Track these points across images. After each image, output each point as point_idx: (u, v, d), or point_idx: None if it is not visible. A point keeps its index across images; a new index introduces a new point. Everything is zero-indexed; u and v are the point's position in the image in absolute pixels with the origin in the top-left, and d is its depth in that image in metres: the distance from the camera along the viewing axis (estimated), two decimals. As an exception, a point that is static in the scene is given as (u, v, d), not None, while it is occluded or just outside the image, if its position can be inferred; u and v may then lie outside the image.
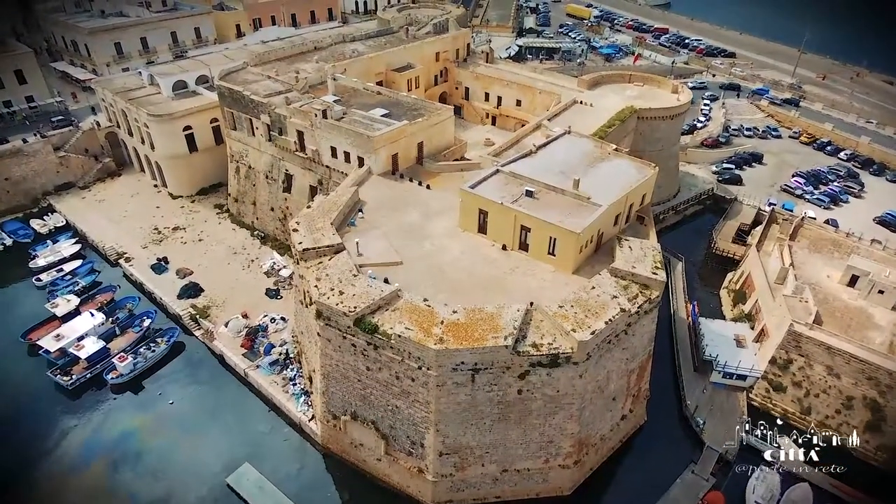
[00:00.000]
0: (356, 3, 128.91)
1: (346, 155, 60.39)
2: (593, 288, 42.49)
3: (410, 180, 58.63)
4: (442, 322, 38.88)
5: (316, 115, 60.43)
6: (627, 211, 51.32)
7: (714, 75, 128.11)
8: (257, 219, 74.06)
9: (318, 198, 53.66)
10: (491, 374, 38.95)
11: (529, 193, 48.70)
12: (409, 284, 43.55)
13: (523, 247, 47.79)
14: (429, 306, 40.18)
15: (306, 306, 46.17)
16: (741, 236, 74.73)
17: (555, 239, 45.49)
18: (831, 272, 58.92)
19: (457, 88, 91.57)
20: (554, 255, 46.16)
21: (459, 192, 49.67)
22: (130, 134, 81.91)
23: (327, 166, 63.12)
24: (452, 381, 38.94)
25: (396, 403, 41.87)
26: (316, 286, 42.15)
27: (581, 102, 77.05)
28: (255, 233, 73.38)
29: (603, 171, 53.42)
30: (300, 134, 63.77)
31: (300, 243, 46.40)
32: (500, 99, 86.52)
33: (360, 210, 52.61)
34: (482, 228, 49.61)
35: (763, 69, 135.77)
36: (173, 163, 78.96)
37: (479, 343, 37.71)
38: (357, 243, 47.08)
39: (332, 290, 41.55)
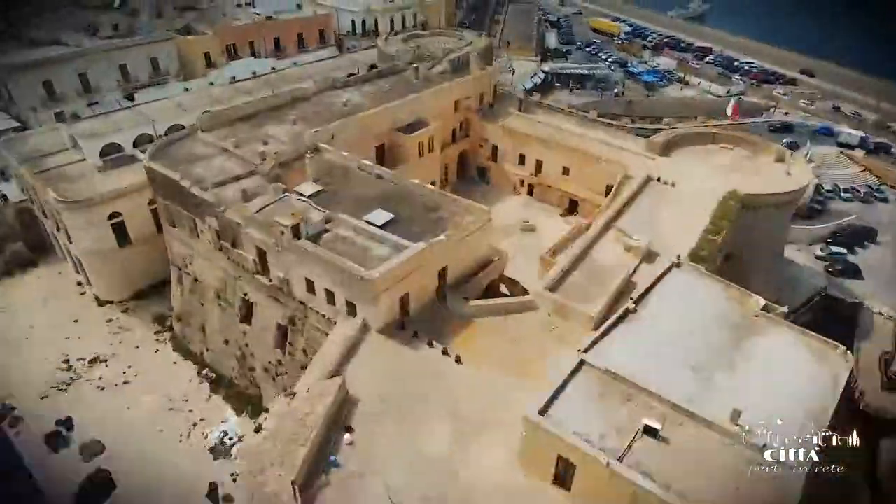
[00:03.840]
0: (353, 24, 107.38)
1: (330, 293, 39.13)
2: None
3: (429, 345, 37.04)
4: None
5: (282, 233, 39.11)
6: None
7: (786, 113, 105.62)
8: (207, 349, 52.55)
9: (276, 408, 32.13)
10: None
11: (650, 431, 27.16)
12: None
13: (641, 531, 26.43)
14: None
15: None
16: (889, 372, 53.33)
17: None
18: None
19: (481, 146, 70.32)
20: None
21: (523, 421, 28.06)
22: (45, 215, 60.64)
23: (302, 302, 41.80)
24: None
25: None
26: None
27: (658, 179, 55.74)
28: (204, 371, 51.91)
29: (759, 360, 31.79)
30: (261, 252, 42.38)
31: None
32: (539, 164, 65.36)
33: (347, 429, 31.12)
34: (562, 482, 28.19)
35: (834, 100, 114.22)
36: (98, 260, 57.28)
37: None
38: (338, 537, 25.78)
39: None
